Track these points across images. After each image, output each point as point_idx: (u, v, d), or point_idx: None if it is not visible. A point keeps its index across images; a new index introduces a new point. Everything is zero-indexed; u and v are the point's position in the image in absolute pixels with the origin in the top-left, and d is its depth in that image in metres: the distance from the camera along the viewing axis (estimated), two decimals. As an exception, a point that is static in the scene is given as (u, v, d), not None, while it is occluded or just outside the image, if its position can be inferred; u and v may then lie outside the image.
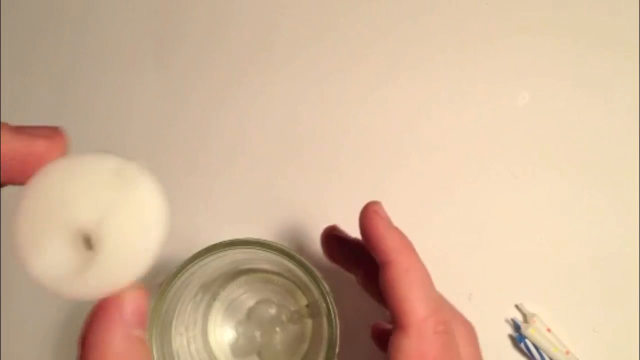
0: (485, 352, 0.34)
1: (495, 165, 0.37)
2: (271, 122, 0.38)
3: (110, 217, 0.16)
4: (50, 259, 0.16)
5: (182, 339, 0.29)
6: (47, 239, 0.16)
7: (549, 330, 0.33)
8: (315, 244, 0.36)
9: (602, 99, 0.37)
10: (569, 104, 0.37)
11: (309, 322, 0.32)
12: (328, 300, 0.26)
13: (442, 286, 0.35)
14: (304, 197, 0.37)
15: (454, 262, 0.35)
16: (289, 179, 0.37)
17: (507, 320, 0.34)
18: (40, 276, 0.16)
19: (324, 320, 0.26)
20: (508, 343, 0.34)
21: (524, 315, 0.34)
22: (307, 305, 0.32)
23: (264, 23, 0.40)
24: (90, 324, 0.17)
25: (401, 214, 0.37)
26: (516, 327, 0.34)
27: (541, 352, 0.33)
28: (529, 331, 0.33)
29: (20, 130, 0.17)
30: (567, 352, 0.33)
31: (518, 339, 0.33)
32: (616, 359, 0.33)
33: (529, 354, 0.33)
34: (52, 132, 0.17)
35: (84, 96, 0.39)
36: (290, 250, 0.26)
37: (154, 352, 0.27)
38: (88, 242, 0.16)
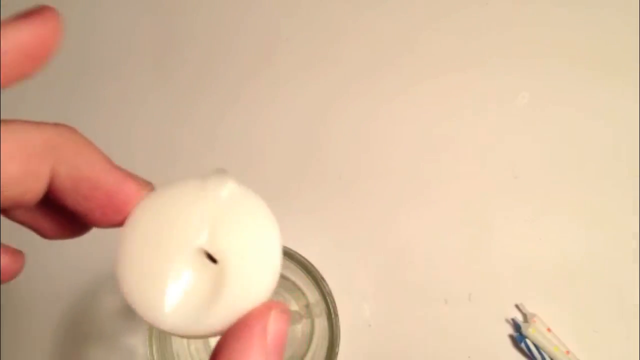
0: (485, 352, 0.34)
1: (495, 165, 0.37)
2: (274, 129, 0.38)
3: (221, 227, 0.15)
4: (178, 295, 0.15)
5: (182, 339, 0.29)
6: (169, 274, 0.15)
7: (549, 330, 0.33)
8: (316, 245, 0.36)
9: (602, 99, 0.37)
10: (569, 103, 0.37)
11: (309, 322, 0.32)
12: (329, 301, 0.26)
13: (442, 286, 0.35)
14: (305, 200, 0.37)
15: (454, 262, 0.35)
16: (290, 181, 0.37)
17: (507, 320, 0.34)
18: (173, 318, 0.15)
19: (325, 320, 0.26)
20: (508, 343, 0.34)
21: (524, 315, 0.34)
22: (307, 306, 0.32)
23: (267, 35, 0.40)
24: (229, 338, 0.15)
25: (401, 214, 0.37)
26: (516, 327, 0.34)
27: (541, 352, 0.33)
28: (529, 331, 0.33)
29: (117, 167, 0.16)
30: (567, 352, 0.33)
31: (518, 338, 0.33)
32: (616, 359, 0.33)
33: (529, 354, 0.33)
34: (144, 181, 0.17)
35: (81, 105, 0.39)
36: (291, 250, 0.26)
37: (154, 353, 0.27)
38: (212, 260, 0.15)
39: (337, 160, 0.37)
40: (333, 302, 0.26)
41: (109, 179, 0.16)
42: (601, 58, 0.38)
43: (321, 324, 0.30)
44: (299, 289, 0.32)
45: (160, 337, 0.27)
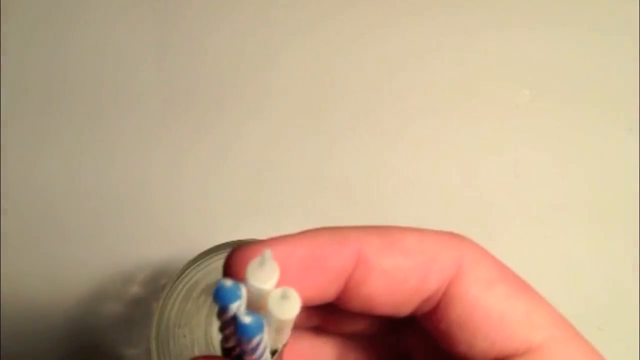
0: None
1: (496, 164, 0.36)
2: (278, 128, 0.38)
3: None
4: None
5: (185, 342, 0.29)
6: None
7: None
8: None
9: (604, 96, 0.37)
10: (570, 101, 0.37)
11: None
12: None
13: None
14: (310, 201, 0.36)
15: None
16: (297, 181, 0.37)
17: (511, 319, 0.34)
18: None
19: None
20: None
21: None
22: (311, 307, 0.32)
23: (267, 48, 0.39)
24: None
25: (402, 215, 0.36)
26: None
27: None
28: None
29: None
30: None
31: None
32: (622, 356, 0.33)
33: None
34: None
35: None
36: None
37: (156, 355, 0.26)
38: None
39: (343, 164, 0.37)
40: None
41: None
42: (603, 55, 0.38)
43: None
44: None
45: (163, 340, 0.27)
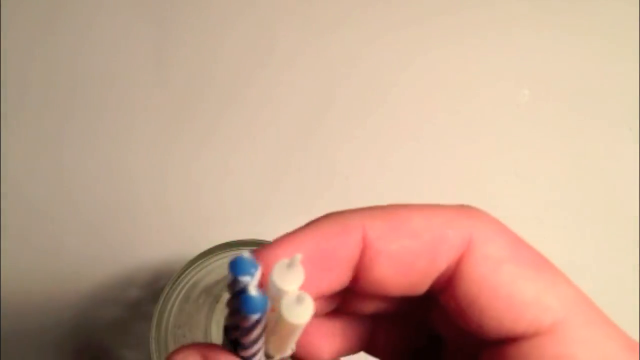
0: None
1: (496, 163, 0.36)
2: (279, 126, 0.38)
3: None
4: None
5: (184, 342, 0.29)
6: None
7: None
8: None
9: (604, 96, 0.37)
10: (570, 100, 0.37)
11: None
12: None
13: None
14: (309, 198, 0.36)
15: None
16: (295, 180, 0.37)
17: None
18: None
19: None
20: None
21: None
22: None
23: (263, 33, 0.39)
24: None
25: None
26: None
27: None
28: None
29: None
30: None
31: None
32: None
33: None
34: None
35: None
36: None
37: (156, 356, 0.26)
38: None
39: (343, 163, 0.37)
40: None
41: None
42: (603, 55, 0.38)
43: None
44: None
45: (163, 340, 0.27)
